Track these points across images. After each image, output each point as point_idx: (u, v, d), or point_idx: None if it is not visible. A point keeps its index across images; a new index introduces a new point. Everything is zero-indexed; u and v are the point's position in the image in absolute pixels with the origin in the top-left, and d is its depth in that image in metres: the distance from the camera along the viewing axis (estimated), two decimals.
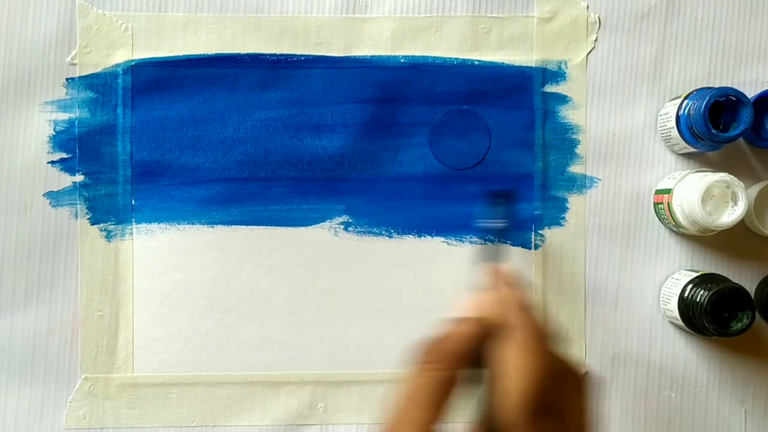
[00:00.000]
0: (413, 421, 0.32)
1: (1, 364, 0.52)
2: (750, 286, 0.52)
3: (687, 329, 0.50)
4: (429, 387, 0.33)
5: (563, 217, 0.53)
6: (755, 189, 0.51)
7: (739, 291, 0.48)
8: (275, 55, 0.52)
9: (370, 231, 0.53)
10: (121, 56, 0.52)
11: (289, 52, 0.52)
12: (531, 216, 0.53)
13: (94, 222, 0.52)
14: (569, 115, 0.53)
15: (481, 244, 0.49)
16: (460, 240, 0.53)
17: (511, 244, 0.53)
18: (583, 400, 0.35)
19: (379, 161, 0.53)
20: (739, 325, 0.47)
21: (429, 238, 0.53)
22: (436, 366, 0.34)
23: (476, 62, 0.53)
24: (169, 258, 0.52)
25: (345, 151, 0.52)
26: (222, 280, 0.52)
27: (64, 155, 0.52)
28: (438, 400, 0.33)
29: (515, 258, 0.53)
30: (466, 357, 0.34)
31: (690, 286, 0.49)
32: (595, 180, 0.53)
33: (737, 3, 0.53)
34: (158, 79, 0.52)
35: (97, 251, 0.52)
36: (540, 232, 0.53)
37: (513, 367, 0.33)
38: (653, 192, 0.53)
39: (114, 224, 0.52)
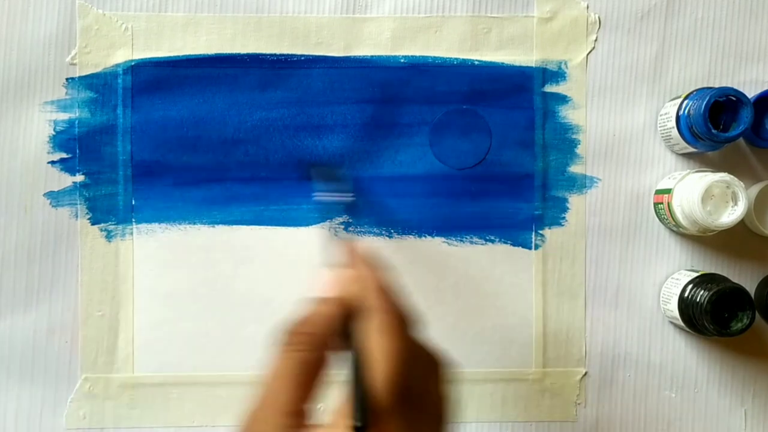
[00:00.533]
0: (276, 404, 0.32)
1: (1, 364, 0.52)
2: (750, 286, 0.52)
3: (687, 329, 0.50)
4: (291, 369, 0.32)
5: (563, 217, 0.53)
6: (755, 189, 0.51)
7: (739, 291, 0.48)
8: (275, 55, 0.52)
9: (370, 231, 0.53)
10: (121, 56, 0.52)
11: (289, 52, 0.52)
12: (531, 216, 0.53)
13: (94, 222, 0.52)
14: (569, 115, 0.53)
15: (329, 220, 0.46)
16: (461, 240, 0.53)
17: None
18: (441, 387, 0.34)
19: (379, 161, 0.53)
20: (739, 325, 0.47)
21: (429, 238, 0.53)
22: (297, 347, 0.33)
23: (476, 62, 0.53)
24: (169, 258, 0.52)
25: (345, 151, 0.52)
26: (222, 280, 0.52)
27: (64, 155, 0.52)
28: (301, 382, 0.32)
29: (513, 258, 0.53)
30: (328, 337, 0.34)
31: (690, 286, 0.49)
32: (595, 180, 0.53)
33: (737, 3, 0.53)
34: (158, 79, 0.52)
35: (97, 251, 0.52)
36: (540, 232, 0.53)
37: (375, 351, 0.32)
38: (653, 192, 0.53)
39: (114, 224, 0.52)
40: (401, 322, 0.33)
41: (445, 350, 0.35)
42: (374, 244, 0.41)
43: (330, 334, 0.34)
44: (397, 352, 0.32)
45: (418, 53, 0.53)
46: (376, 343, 0.32)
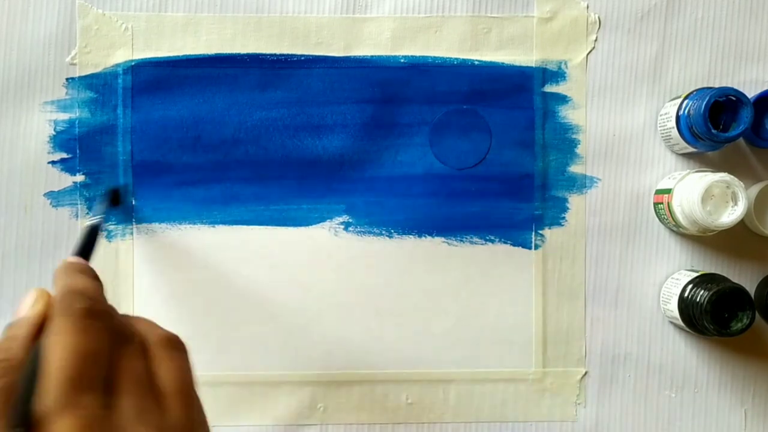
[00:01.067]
0: None
1: None
2: (750, 286, 0.52)
3: (687, 329, 0.50)
4: None
5: (563, 217, 0.53)
6: (755, 189, 0.51)
7: (739, 291, 0.48)
8: (275, 55, 0.52)
9: (370, 231, 0.53)
10: (121, 56, 0.52)
11: (289, 52, 0.52)
12: (531, 216, 0.53)
13: None
14: (569, 115, 0.53)
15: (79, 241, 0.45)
16: (461, 240, 0.53)
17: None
18: (170, 362, 0.33)
19: (379, 161, 0.53)
20: (739, 325, 0.47)
21: (429, 238, 0.53)
22: None
23: (476, 62, 0.53)
24: (169, 258, 0.52)
25: (345, 151, 0.52)
26: (222, 280, 0.52)
27: (64, 155, 0.52)
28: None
29: (513, 258, 0.53)
30: (17, 360, 0.32)
31: (690, 286, 0.49)
32: (595, 180, 0.53)
33: (737, 3, 0.53)
34: (158, 79, 0.52)
35: (97, 251, 0.52)
36: (540, 232, 0.53)
37: (49, 351, 0.31)
38: (653, 192, 0.53)
39: (114, 224, 0.52)
40: (83, 317, 0.32)
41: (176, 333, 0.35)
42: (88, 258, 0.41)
43: (20, 357, 0.32)
44: (70, 345, 0.31)
45: (418, 53, 0.53)
46: (50, 344, 0.31)
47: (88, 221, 0.48)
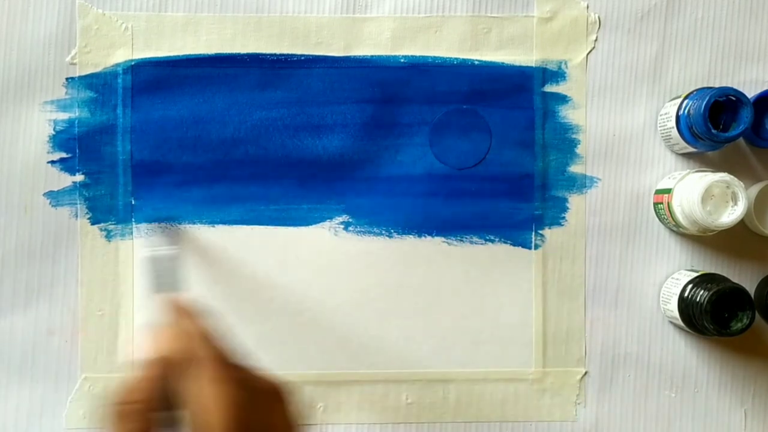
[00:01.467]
0: None
1: (1, 364, 0.52)
2: (750, 286, 0.52)
3: (687, 329, 0.50)
4: None
5: (563, 217, 0.53)
6: (755, 189, 0.51)
7: (739, 291, 0.48)
8: (275, 55, 0.52)
9: (370, 231, 0.53)
10: (121, 56, 0.52)
11: (289, 52, 0.52)
12: (531, 216, 0.53)
13: (94, 222, 0.52)
14: (569, 114, 0.53)
15: (153, 275, 0.46)
16: (461, 240, 0.53)
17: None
18: (286, 416, 0.35)
19: (379, 161, 0.53)
20: (739, 325, 0.47)
21: (429, 238, 0.53)
22: (129, 420, 0.32)
23: (476, 62, 0.53)
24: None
25: (345, 151, 0.52)
26: (222, 280, 0.52)
27: (64, 155, 0.52)
28: None
29: (513, 258, 0.53)
30: (154, 402, 0.33)
31: (690, 286, 0.49)
32: (595, 180, 0.53)
33: (737, 3, 0.53)
34: (158, 79, 0.52)
35: (97, 251, 0.52)
36: (540, 232, 0.53)
37: (208, 401, 0.32)
38: (653, 192, 0.53)
39: (114, 224, 0.52)
40: (231, 367, 0.34)
41: (282, 378, 0.36)
42: (192, 294, 0.42)
43: (153, 398, 0.33)
44: (231, 398, 0.32)
45: (418, 53, 0.53)
46: (207, 393, 0.32)
47: (160, 251, 0.48)
